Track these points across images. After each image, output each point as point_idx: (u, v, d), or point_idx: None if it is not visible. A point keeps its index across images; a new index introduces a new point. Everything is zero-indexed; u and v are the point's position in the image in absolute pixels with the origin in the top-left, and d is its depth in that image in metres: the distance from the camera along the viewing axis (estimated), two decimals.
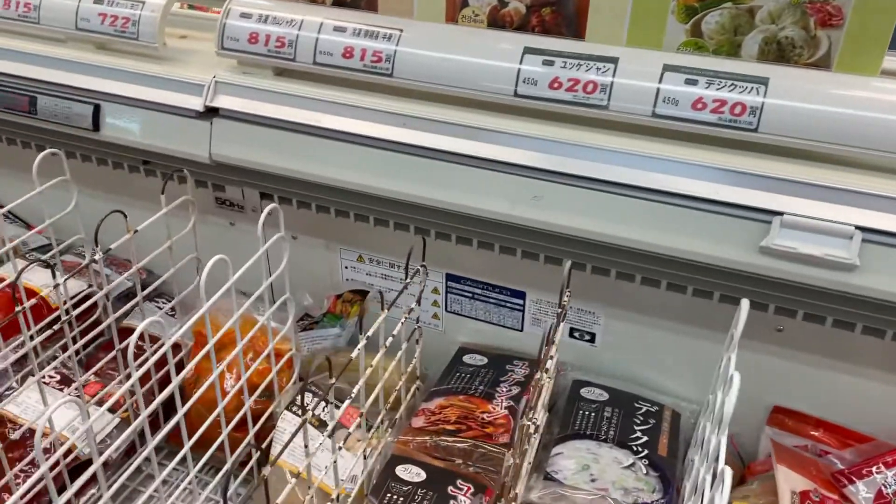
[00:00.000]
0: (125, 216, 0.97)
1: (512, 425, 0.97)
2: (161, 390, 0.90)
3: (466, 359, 1.12)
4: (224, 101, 1.02)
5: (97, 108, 1.08)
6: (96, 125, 1.09)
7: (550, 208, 0.88)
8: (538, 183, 0.89)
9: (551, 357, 0.87)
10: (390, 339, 0.89)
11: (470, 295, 1.13)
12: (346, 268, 1.21)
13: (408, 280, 0.92)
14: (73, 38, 1.10)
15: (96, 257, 0.96)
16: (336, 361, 1.18)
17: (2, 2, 1.12)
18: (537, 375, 0.80)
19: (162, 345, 0.88)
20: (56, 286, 0.99)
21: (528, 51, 0.88)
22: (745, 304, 0.73)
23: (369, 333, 0.84)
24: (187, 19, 1.27)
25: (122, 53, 1.10)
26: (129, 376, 0.81)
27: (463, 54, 0.90)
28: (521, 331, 1.13)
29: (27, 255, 1.33)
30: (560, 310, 0.85)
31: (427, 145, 0.92)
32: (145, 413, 0.84)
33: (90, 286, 1.25)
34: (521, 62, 0.88)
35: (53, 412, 0.73)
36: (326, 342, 1.21)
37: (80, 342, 1.10)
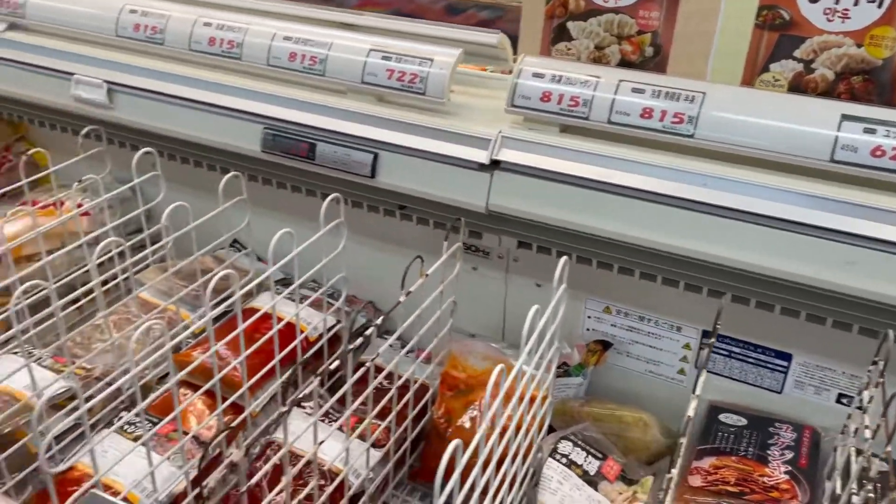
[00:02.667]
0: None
1: (799, 492, 0.96)
2: (402, 423, 0.92)
3: (723, 418, 1.11)
4: (508, 155, 1.06)
5: (376, 157, 1.15)
6: (373, 172, 1.15)
7: (865, 275, 0.88)
8: (852, 248, 0.89)
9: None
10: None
11: (727, 353, 1.13)
12: (590, 317, 1.23)
13: (711, 340, 0.93)
14: (356, 90, 1.17)
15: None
16: (581, 410, 1.20)
17: (288, 55, 1.20)
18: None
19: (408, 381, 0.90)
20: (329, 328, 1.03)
21: (846, 118, 0.89)
22: None
23: None
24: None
25: (401, 106, 1.16)
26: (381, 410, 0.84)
27: (775, 118, 0.91)
28: (780, 393, 1.11)
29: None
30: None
31: (732, 206, 0.93)
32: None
33: (338, 322, 1.31)
34: (839, 129, 0.89)
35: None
36: (569, 390, 1.22)
37: (341, 379, 1.15)
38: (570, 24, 1.07)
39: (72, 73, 1.36)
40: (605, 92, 1.00)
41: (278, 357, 1.14)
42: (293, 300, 1.33)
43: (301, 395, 1.23)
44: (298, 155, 1.20)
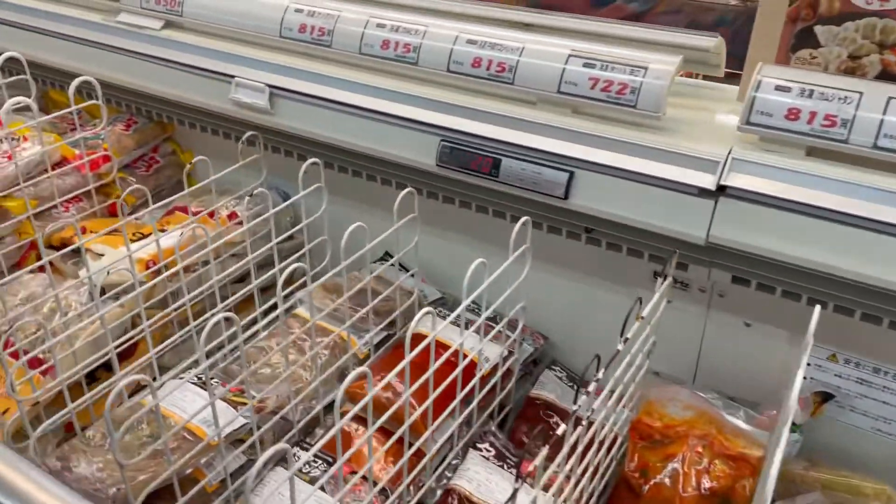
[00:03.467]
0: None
1: None
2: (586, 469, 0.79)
3: None
4: (739, 180, 0.91)
5: (571, 176, 1.02)
6: (567, 193, 1.03)
7: None
8: None
9: None
10: None
11: None
12: (810, 365, 1.07)
13: None
14: (549, 100, 1.05)
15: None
16: (806, 476, 1.04)
17: (472, 60, 1.09)
18: None
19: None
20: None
21: None
22: None
23: None
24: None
25: (600, 118, 1.03)
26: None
27: None
28: None
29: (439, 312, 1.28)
30: None
31: None
32: None
33: (511, 352, 1.20)
34: None
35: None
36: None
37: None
38: (817, 29, 0.91)
39: (232, 76, 1.29)
40: (870, 111, 0.84)
41: (459, 396, 1.04)
42: (457, 325, 1.23)
43: (477, 437, 1.12)
44: (479, 171, 1.09)
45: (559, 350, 1.29)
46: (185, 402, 1.00)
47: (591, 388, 0.83)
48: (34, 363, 1.14)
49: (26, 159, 1.32)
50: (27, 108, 1.28)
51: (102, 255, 1.26)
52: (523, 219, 0.98)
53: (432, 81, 1.15)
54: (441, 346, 1.15)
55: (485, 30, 1.12)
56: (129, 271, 1.17)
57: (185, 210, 1.42)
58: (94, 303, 1.16)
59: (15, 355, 1.17)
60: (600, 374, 0.83)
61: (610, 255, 1.13)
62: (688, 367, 1.16)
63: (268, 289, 1.35)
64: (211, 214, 1.36)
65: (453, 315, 0.92)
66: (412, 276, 1.27)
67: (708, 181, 0.92)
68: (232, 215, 1.38)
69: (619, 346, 0.87)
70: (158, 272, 1.22)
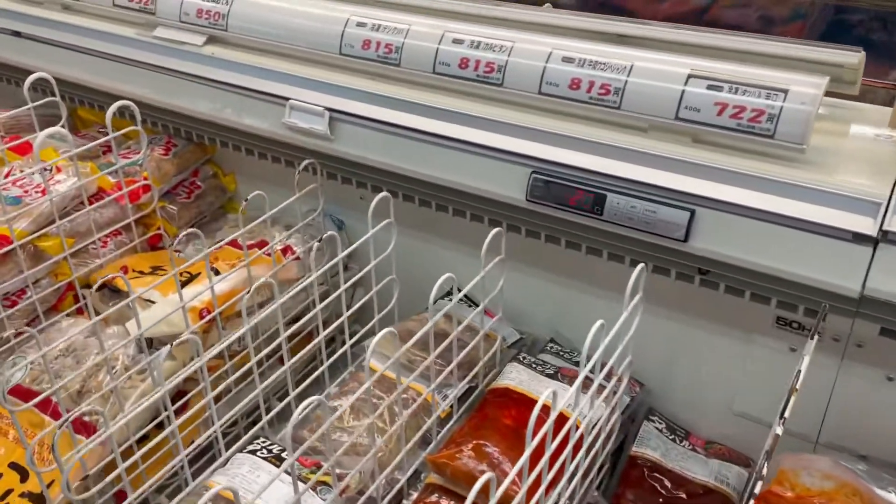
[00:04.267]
0: None
1: None
2: None
3: None
4: None
5: (692, 216, 0.89)
6: (687, 235, 0.89)
7: None
8: None
9: None
10: None
11: None
12: None
13: None
14: (665, 128, 0.91)
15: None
16: None
17: (569, 82, 0.95)
18: None
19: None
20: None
21: None
22: None
23: None
24: None
25: (726, 149, 0.90)
26: None
27: None
28: None
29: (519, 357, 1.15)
30: None
31: None
32: None
33: (613, 411, 1.07)
34: None
35: None
36: None
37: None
38: None
39: (286, 98, 1.16)
40: None
41: (570, 469, 0.91)
42: (551, 377, 1.10)
43: None
44: (579, 208, 0.95)
45: (655, 396, 1.16)
46: (257, 482, 0.88)
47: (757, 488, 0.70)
48: (80, 425, 1.02)
49: (62, 193, 1.19)
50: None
51: (150, 300, 1.14)
52: (639, 267, 0.85)
53: (521, 105, 1.01)
54: (525, 404, 1.03)
55: (580, 45, 0.98)
56: (183, 321, 1.05)
57: (233, 243, 1.30)
58: (148, 359, 1.04)
59: (57, 414, 1.06)
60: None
61: (725, 299, 1.00)
62: (812, 421, 1.03)
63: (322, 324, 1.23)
64: (263, 248, 1.23)
65: (574, 388, 0.78)
66: (491, 318, 1.14)
67: (866, 225, 0.79)
68: (286, 250, 1.26)
69: (778, 430, 0.74)
70: (213, 320, 1.10)
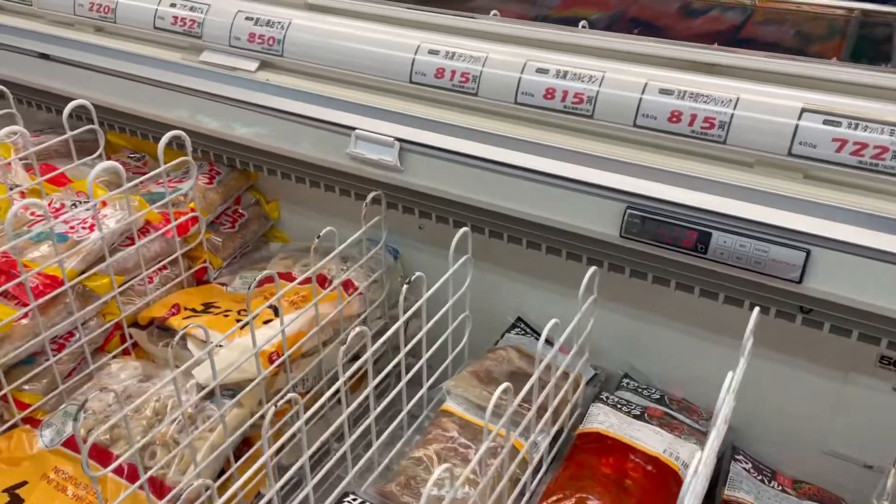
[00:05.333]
0: None
1: None
2: None
3: None
4: None
5: (808, 255, 0.85)
6: (802, 277, 0.86)
7: None
8: None
9: None
10: None
11: None
12: None
13: None
14: (775, 163, 0.88)
15: None
16: None
17: (669, 114, 0.91)
18: None
19: None
20: None
21: None
22: None
23: None
24: None
25: (842, 186, 0.86)
26: None
27: None
28: None
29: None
30: None
31: None
32: None
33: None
34: None
35: None
36: None
37: None
38: None
39: (351, 128, 1.11)
40: None
41: None
42: (633, 415, 1.05)
43: None
44: (680, 246, 0.91)
45: (740, 435, 1.12)
46: None
47: None
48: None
49: (113, 230, 1.13)
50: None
51: (208, 341, 1.08)
52: (755, 312, 0.81)
53: (612, 137, 0.97)
54: (625, 451, 0.98)
55: (672, 75, 0.94)
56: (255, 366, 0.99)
57: (287, 277, 1.24)
58: (223, 409, 0.98)
59: (118, 470, 0.99)
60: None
61: (826, 338, 0.96)
62: None
63: (377, 361, 1.17)
64: (322, 282, 1.18)
65: (710, 447, 0.74)
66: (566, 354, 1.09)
67: None
68: (347, 284, 1.20)
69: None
70: (282, 364, 1.04)
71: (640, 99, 0.93)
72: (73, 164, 1.24)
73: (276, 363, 1.03)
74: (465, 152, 1.03)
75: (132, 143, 1.55)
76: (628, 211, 0.94)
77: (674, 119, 0.91)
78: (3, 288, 1.01)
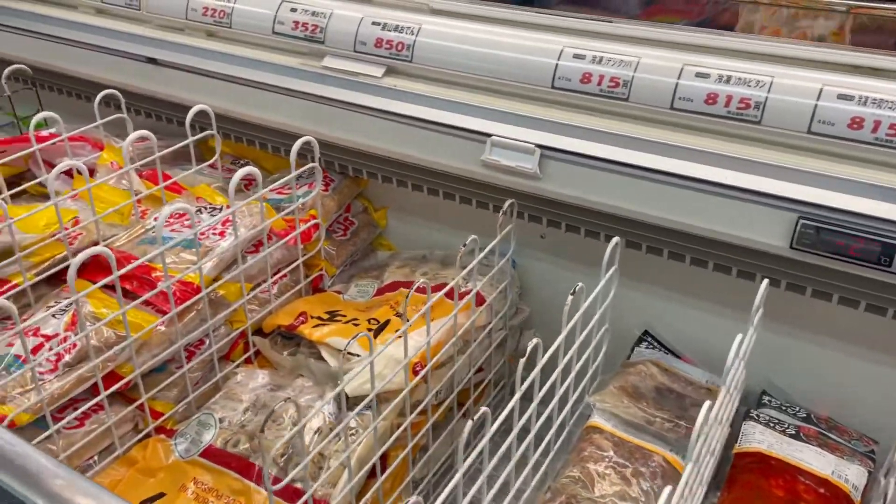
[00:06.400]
0: None
1: None
2: None
3: None
4: None
5: None
6: None
7: None
8: None
9: None
10: None
11: None
12: None
13: None
14: None
15: None
16: None
17: (849, 120, 0.88)
18: None
19: None
20: None
21: None
22: None
23: None
24: None
25: None
26: None
27: None
28: None
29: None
30: None
31: None
32: None
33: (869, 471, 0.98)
34: None
35: None
36: None
37: None
38: None
39: (486, 134, 1.08)
40: None
41: None
42: (789, 435, 1.01)
43: None
44: (861, 259, 0.87)
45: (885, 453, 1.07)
46: None
47: None
48: (291, 493, 0.93)
49: (246, 236, 1.11)
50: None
51: (351, 353, 1.05)
52: None
53: (781, 144, 0.93)
54: (794, 468, 0.94)
55: (847, 79, 0.90)
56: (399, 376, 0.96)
57: (407, 286, 1.22)
58: (375, 422, 0.95)
59: (261, 479, 0.97)
60: None
61: None
62: None
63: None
64: (450, 294, 1.14)
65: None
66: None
67: None
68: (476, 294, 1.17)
69: None
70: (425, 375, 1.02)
71: (816, 105, 0.89)
72: (189, 170, 1.23)
73: (421, 374, 1.00)
74: (615, 159, 1.00)
75: (234, 150, 1.54)
76: (800, 221, 0.90)
77: (855, 126, 0.87)
78: (149, 295, 0.99)
